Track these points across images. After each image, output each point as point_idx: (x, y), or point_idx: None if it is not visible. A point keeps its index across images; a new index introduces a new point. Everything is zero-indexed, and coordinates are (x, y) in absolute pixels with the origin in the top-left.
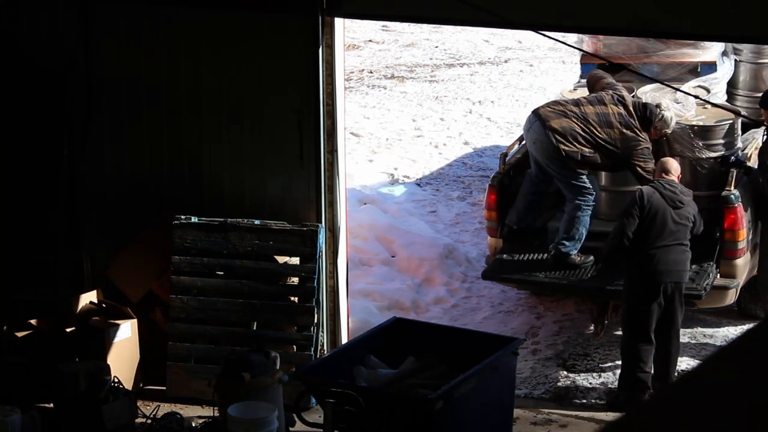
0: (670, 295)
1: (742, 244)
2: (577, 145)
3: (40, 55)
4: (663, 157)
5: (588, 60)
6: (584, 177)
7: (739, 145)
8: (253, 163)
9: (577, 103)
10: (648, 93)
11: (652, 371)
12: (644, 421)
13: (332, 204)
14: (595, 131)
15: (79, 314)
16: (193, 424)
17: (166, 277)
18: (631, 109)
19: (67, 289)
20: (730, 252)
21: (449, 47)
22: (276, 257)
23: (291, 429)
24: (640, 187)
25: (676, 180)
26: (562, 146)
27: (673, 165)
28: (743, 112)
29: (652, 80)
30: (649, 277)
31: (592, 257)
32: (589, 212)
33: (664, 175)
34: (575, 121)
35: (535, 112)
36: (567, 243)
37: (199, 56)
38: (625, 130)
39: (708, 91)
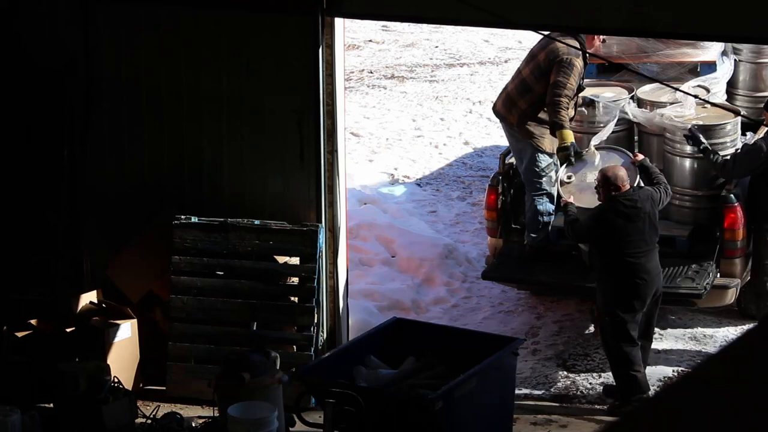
0: (653, 300)
1: (742, 243)
2: (517, 105)
3: (40, 55)
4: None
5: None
6: (537, 162)
7: (738, 144)
8: (253, 162)
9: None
10: (648, 93)
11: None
12: (644, 421)
13: (332, 204)
14: (522, 74)
15: (79, 314)
16: (193, 424)
17: (166, 277)
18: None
19: (67, 289)
20: (730, 251)
21: (449, 47)
22: (276, 257)
23: (291, 429)
24: (598, 209)
25: (628, 187)
26: (510, 118)
27: (621, 175)
28: (743, 112)
29: (652, 80)
30: (633, 288)
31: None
32: (544, 200)
33: (616, 191)
34: (511, 86)
35: (495, 115)
36: (534, 235)
37: (199, 56)
38: (547, 47)
39: (708, 90)
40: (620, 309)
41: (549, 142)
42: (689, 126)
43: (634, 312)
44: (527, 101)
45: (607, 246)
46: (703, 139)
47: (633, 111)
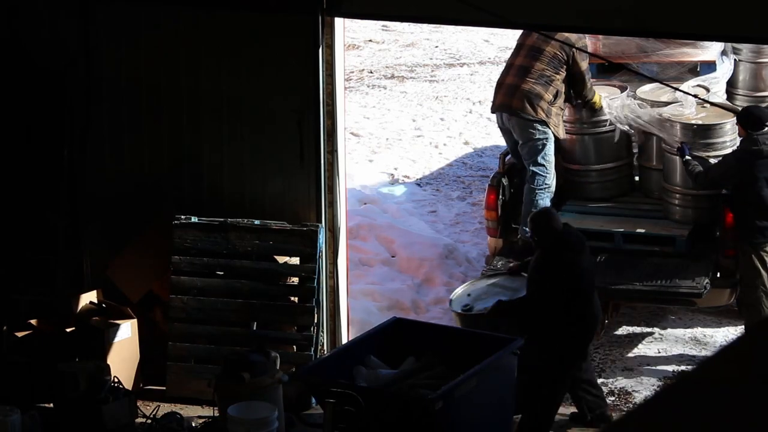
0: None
1: None
2: (543, 98)
3: (40, 55)
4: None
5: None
6: (546, 156)
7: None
8: (253, 162)
9: (507, 67)
10: (648, 93)
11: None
12: (644, 421)
13: (332, 204)
14: (532, 68)
15: (79, 314)
16: (193, 424)
17: (166, 277)
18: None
19: (67, 289)
20: (730, 251)
21: (449, 47)
22: (276, 257)
23: (291, 429)
24: (545, 256)
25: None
26: (534, 111)
27: (556, 217)
28: None
29: (652, 80)
30: (588, 333)
31: None
32: (545, 195)
33: (559, 227)
34: (531, 83)
35: (493, 110)
36: (527, 229)
37: (199, 56)
38: (554, 44)
39: (707, 90)
40: (573, 361)
41: (562, 130)
42: (681, 141)
43: (583, 361)
44: (551, 93)
45: (565, 290)
46: (688, 155)
47: (632, 111)
